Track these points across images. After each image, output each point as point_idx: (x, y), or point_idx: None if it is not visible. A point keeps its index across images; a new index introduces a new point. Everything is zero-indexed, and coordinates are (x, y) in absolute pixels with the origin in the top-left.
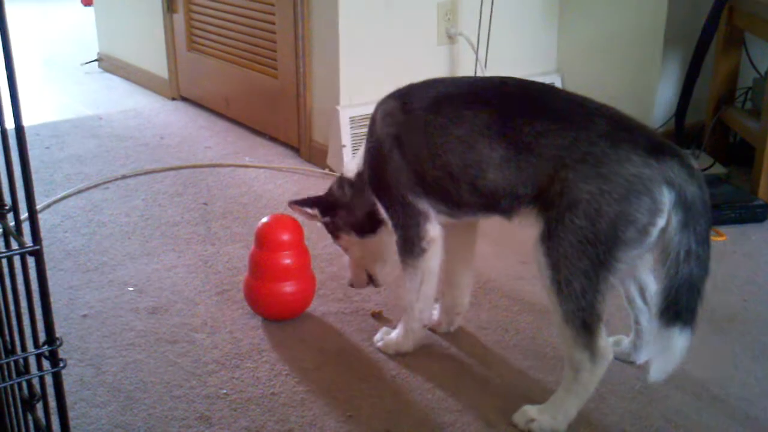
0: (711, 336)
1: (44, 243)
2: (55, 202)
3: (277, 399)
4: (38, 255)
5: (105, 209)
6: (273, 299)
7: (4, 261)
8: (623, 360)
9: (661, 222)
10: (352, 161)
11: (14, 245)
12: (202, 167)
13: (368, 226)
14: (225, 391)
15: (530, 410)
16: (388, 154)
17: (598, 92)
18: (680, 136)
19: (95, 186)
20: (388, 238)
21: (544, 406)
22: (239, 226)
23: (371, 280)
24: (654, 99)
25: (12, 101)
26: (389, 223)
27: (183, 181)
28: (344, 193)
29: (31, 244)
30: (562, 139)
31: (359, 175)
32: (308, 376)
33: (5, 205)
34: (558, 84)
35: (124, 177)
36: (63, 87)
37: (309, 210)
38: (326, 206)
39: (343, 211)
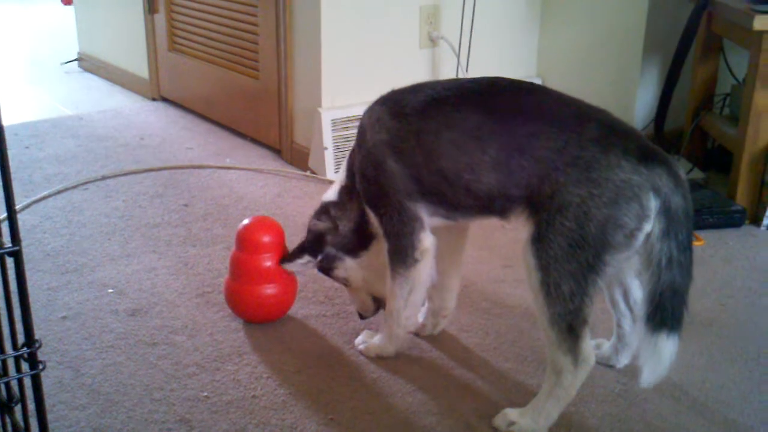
0: (689, 340)
1: (23, 244)
2: (34, 202)
3: (258, 402)
4: (17, 256)
5: (85, 210)
6: (254, 302)
7: None
8: (604, 364)
9: (647, 227)
10: (329, 189)
11: None
12: (183, 168)
13: (360, 243)
14: (205, 394)
15: (511, 413)
16: (381, 161)
17: (578, 96)
18: (659, 142)
19: (75, 186)
20: (381, 250)
21: (525, 409)
22: (220, 227)
23: (379, 303)
24: (634, 104)
25: None
26: (381, 232)
27: (163, 182)
28: (329, 218)
29: (10, 245)
30: (554, 141)
31: (343, 188)
32: (289, 378)
33: None
34: None
35: (104, 178)
36: (42, 86)
37: (302, 261)
38: (314, 245)
39: (331, 237)
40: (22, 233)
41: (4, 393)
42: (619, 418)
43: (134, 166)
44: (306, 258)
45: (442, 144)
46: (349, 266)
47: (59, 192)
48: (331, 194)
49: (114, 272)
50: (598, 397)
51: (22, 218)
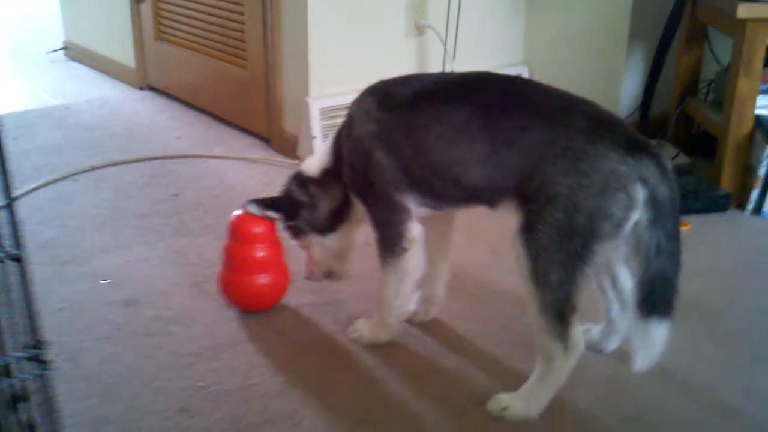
0: (677, 323)
1: None
2: (24, 194)
3: (255, 390)
4: (21, 261)
5: (75, 201)
6: (248, 292)
7: None
8: (592, 349)
9: (634, 217)
10: (312, 159)
11: None
12: (172, 158)
13: (330, 225)
14: (203, 384)
15: (504, 398)
16: (370, 152)
17: (564, 83)
18: (645, 127)
19: (64, 178)
20: (348, 234)
21: (518, 394)
22: (211, 217)
23: (330, 275)
24: (619, 91)
25: None
26: (369, 221)
27: (152, 172)
28: (307, 193)
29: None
30: (543, 134)
31: (326, 171)
32: (285, 367)
33: None
34: (526, 76)
35: (93, 168)
36: (28, 76)
37: (270, 213)
38: (287, 211)
39: (305, 211)
40: None
41: (8, 391)
42: (609, 401)
43: (123, 156)
44: (276, 214)
45: (431, 137)
46: (314, 241)
47: (48, 183)
48: (313, 169)
49: (107, 263)
50: (588, 381)
51: None
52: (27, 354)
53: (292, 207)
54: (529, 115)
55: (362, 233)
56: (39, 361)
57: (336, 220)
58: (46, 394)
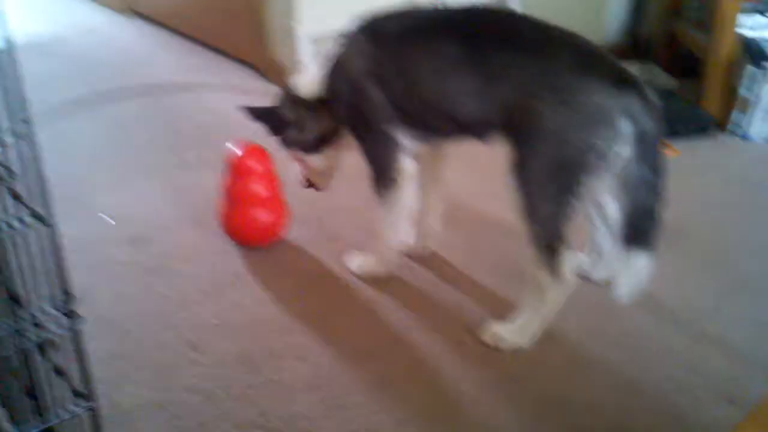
0: (663, 251)
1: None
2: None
3: (262, 325)
4: (52, 228)
5: (70, 137)
6: (249, 226)
7: (17, 225)
8: (581, 277)
9: (619, 150)
10: (308, 81)
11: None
12: (163, 88)
13: (314, 147)
14: (213, 320)
15: (497, 327)
16: (362, 89)
17: (553, 3)
18: (633, 50)
19: (57, 112)
20: (332, 157)
21: (510, 322)
22: (207, 150)
23: (312, 186)
24: (607, 11)
25: None
26: (363, 156)
27: (145, 103)
28: (296, 114)
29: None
30: (531, 69)
31: (318, 98)
32: (289, 302)
33: (12, 173)
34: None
35: (85, 102)
36: (10, 2)
37: (260, 124)
38: (276, 125)
39: (291, 130)
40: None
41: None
42: (598, 328)
43: (113, 86)
44: (264, 126)
45: (422, 73)
46: (296, 156)
47: (41, 118)
48: (305, 92)
49: (109, 201)
50: (578, 310)
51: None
52: (58, 308)
53: (279, 123)
54: (518, 49)
55: (356, 163)
56: (70, 315)
57: (321, 143)
58: (78, 345)
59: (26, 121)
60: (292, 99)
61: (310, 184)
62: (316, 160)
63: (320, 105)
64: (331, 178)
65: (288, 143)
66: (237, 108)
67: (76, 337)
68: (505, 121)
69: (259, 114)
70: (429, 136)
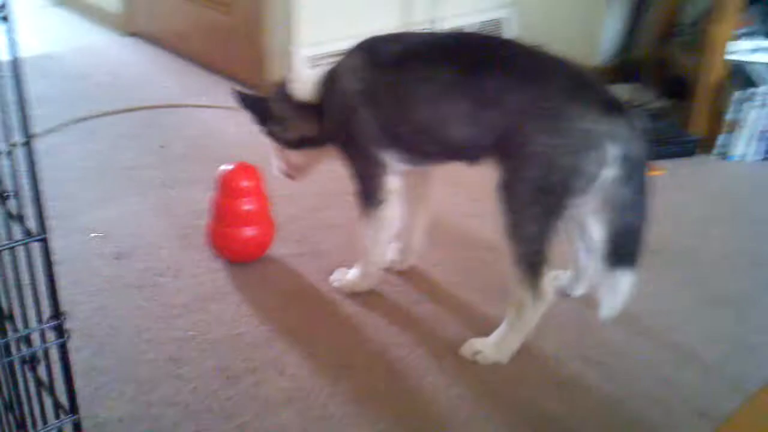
0: (642, 268)
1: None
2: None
3: (242, 339)
4: (45, 243)
5: (63, 153)
6: (235, 243)
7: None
8: (560, 294)
9: (606, 173)
10: (304, 81)
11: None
12: (159, 108)
13: (295, 145)
14: (192, 333)
15: (476, 343)
16: (354, 109)
17: (549, 26)
18: (624, 71)
19: (51, 130)
20: (311, 158)
21: (490, 339)
22: (198, 168)
23: (287, 176)
24: (601, 33)
25: None
26: (349, 172)
27: (139, 122)
28: (283, 111)
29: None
30: (523, 94)
31: (311, 106)
32: (271, 316)
33: (7, 190)
34: (513, 19)
35: (80, 120)
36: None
37: (248, 111)
38: (262, 116)
39: (275, 125)
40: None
41: (27, 356)
42: (576, 344)
43: (110, 106)
44: (250, 115)
45: (415, 97)
46: (276, 147)
47: (36, 136)
48: (298, 93)
49: (97, 216)
50: (556, 326)
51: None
52: (51, 325)
53: (265, 115)
54: (510, 75)
55: (340, 179)
56: (59, 330)
57: (301, 143)
58: (65, 360)
59: (28, 138)
60: (284, 95)
61: (286, 175)
62: (295, 156)
63: (309, 108)
64: (307, 174)
65: (270, 135)
66: (231, 91)
67: (64, 353)
68: (495, 146)
69: (249, 102)
70: (418, 159)
